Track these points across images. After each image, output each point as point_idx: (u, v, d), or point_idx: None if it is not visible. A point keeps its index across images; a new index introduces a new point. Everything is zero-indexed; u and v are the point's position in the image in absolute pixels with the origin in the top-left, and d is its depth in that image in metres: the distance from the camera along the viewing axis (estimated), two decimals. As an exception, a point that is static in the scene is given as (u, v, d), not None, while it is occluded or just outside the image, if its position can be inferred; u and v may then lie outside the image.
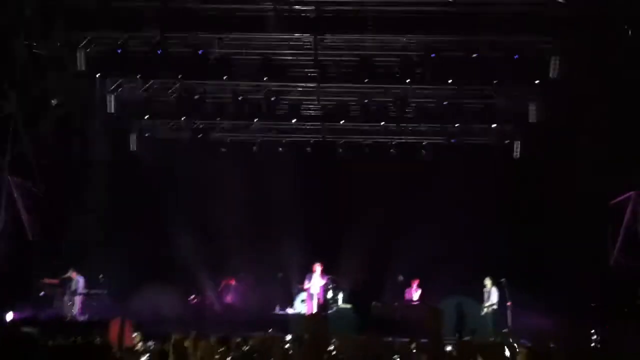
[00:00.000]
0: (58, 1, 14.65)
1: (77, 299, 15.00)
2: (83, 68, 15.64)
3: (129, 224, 17.37)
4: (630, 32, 13.53)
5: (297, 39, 15.51)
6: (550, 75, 14.91)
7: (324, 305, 15.56)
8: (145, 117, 18.21)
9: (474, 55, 15.12)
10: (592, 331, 12.03)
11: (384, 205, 17.98)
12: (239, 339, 9.09)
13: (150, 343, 9.17)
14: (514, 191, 17.73)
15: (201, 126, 18.65)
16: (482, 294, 15.70)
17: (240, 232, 17.28)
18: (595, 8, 13.60)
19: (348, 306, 16.35)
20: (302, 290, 16.14)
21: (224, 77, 16.13)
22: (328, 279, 15.88)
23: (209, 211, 17.51)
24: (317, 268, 15.68)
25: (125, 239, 16.76)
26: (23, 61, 14.82)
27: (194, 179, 18.13)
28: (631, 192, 15.17)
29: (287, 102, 17.66)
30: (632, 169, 14.70)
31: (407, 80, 15.96)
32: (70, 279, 14.96)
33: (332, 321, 15.05)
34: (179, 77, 16.39)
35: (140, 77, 16.75)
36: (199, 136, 18.71)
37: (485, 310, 15.33)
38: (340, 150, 18.95)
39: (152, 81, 17.18)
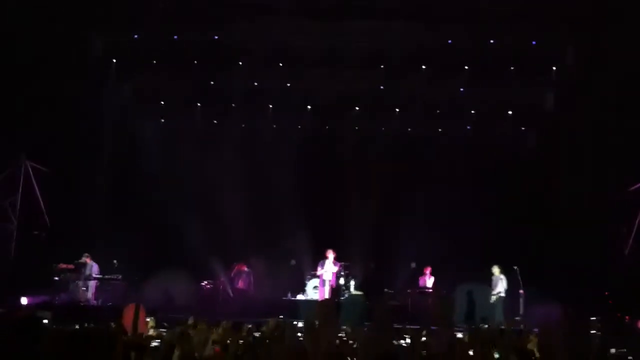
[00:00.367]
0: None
1: (92, 284, 15.13)
2: (97, 55, 15.80)
3: (142, 210, 17.46)
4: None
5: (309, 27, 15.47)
6: (567, 62, 14.81)
7: (336, 291, 15.57)
8: (157, 102, 18.29)
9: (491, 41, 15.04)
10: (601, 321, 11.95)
11: (397, 193, 17.96)
12: (250, 325, 9.15)
13: (163, 329, 9.26)
14: (528, 179, 17.61)
15: (211, 112, 18.67)
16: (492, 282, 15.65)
17: (253, 219, 17.32)
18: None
19: (360, 293, 16.35)
20: (315, 276, 16.17)
21: (235, 63, 16.16)
22: (340, 265, 15.90)
23: (223, 199, 17.52)
24: (330, 254, 15.67)
25: (139, 225, 16.85)
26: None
27: (207, 166, 18.12)
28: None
29: (297, 89, 17.61)
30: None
31: (424, 67, 15.89)
32: (84, 264, 15.08)
33: (343, 308, 15.10)
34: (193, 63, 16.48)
35: (150, 64, 16.82)
36: (214, 122, 18.78)
37: (494, 298, 15.27)
38: (351, 137, 18.87)
39: (161, 66, 17.19)
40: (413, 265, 17.24)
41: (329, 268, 15.61)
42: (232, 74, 17.16)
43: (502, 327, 12.27)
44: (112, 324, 8.56)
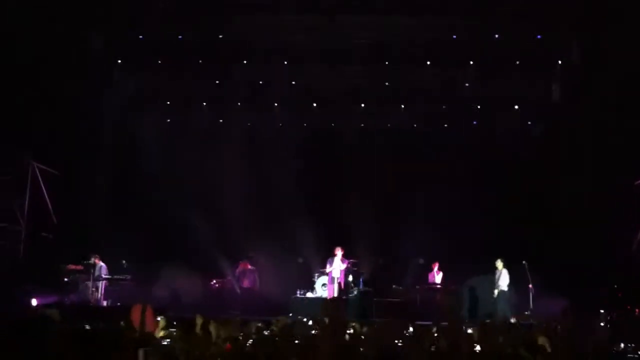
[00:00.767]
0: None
1: (101, 285, 15.19)
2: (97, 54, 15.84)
3: (146, 210, 17.45)
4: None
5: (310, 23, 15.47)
6: (573, 56, 14.75)
7: (345, 289, 15.58)
8: (158, 100, 18.31)
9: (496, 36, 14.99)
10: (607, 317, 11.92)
11: (404, 189, 17.90)
12: (259, 324, 9.14)
13: (172, 329, 9.26)
14: (534, 172, 17.54)
15: (213, 109, 18.68)
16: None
17: (259, 216, 17.32)
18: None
19: (369, 290, 16.34)
20: (324, 274, 16.16)
21: (236, 60, 16.17)
22: (349, 262, 15.88)
23: (228, 197, 17.51)
24: (338, 252, 15.66)
25: (143, 225, 16.86)
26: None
27: (211, 164, 18.08)
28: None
29: (299, 84, 17.59)
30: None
31: (428, 62, 15.85)
32: (93, 265, 15.13)
33: (352, 305, 15.11)
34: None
35: (150, 59, 16.84)
36: (216, 120, 18.79)
37: (496, 292, 15.20)
38: (356, 133, 18.84)
39: (161, 64, 17.22)
40: (421, 261, 17.21)
41: (337, 265, 15.61)
42: (233, 72, 17.16)
43: (512, 321, 12.27)
44: (122, 323, 8.57)
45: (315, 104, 18.07)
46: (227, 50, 16.69)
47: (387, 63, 16.59)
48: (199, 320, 9.12)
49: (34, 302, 13.20)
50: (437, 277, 16.44)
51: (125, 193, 17.74)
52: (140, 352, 5.34)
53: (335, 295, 15.13)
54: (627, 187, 14.98)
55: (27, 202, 15.50)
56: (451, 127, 18.43)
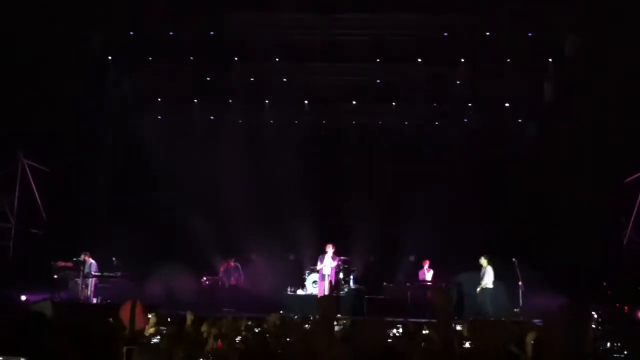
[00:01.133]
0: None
1: (91, 282, 15.14)
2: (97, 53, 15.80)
3: (140, 207, 17.42)
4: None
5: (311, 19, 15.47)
6: (566, 53, 14.78)
7: (336, 286, 15.58)
8: (157, 100, 18.28)
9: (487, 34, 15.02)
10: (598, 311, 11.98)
11: (396, 187, 17.92)
12: (249, 322, 9.14)
13: (163, 327, 9.24)
14: (526, 170, 17.59)
15: (213, 108, 18.65)
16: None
17: (251, 214, 17.28)
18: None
19: (359, 287, 16.37)
20: (314, 271, 16.17)
21: (235, 58, 16.14)
22: (340, 260, 15.89)
23: (221, 194, 17.48)
24: (329, 249, 15.65)
25: (137, 222, 16.82)
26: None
27: (207, 162, 18.07)
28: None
29: (298, 83, 17.60)
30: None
31: (419, 60, 15.87)
32: (83, 262, 15.08)
33: (343, 302, 15.12)
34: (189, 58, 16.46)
35: (149, 59, 16.80)
36: (211, 118, 18.77)
37: (479, 289, 15.22)
38: (351, 131, 18.87)
39: (160, 63, 17.18)
40: (412, 258, 17.24)
41: (328, 262, 15.59)
42: (232, 70, 17.14)
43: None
44: (111, 320, 8.54)
45: (314, 103, 18.07)
46: (226, 49, 16.67)
47: (378, 61, 16.58)
48: (189, 317, 9.14)
49: (24, 299, 13.14)
50: (428, 275, 16.48)
51: (125, 192, 17.71)
52: (124, 350, 5.33)
53: (326, 292, 15.13)
54: (620, 186, 15.09)
55: (16, 200, 15.44)
56: (452, 126, 18.46)
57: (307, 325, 8.31)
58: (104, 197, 17.57)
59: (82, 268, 15.03)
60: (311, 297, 15.45)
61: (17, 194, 15.44)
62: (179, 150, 18.12)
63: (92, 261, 15.25)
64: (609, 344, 8.67)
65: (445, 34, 15.68)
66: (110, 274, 15.32)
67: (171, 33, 16.52)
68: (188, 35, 16.69)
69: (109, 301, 14.38)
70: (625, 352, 8.03)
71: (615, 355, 8.15)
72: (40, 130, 15.29)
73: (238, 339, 7.25)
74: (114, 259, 15.89)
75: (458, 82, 17.01)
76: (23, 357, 4.26)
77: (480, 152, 17.72)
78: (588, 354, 4.47)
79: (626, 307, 13.63)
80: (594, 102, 15.47)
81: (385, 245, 17.58)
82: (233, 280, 16.95)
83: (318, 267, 15.77)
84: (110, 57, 17.06)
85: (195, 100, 18.36)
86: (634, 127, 14.13)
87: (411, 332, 8.07)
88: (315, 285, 16.20)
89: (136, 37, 16.62)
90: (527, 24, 15.20)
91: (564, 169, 16.59)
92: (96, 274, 15.21)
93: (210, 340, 6.98)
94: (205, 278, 16.82)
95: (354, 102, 18.16)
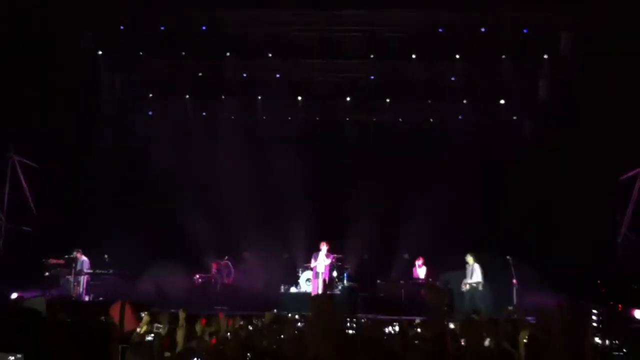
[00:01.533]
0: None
1: (83, 279, 15.03)
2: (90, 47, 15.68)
3: (133, 204, 17.34)
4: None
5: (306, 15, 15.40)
6: (561, 50, 14.74)
7: (330, 284, 15.51)
8: (150, 96, 18.18)
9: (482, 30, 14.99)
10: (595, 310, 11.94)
11: (390, 184, 17.86)
12: (242, 322, 9.06)
13: (156, 325, 9.15)
14: (521, 168, 17.56)
15: (207, 105, 18.56)
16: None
17: (245, 212, 17.20)
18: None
19: (353, 285, 16.31)
20: (308, 268, 16.11)
21: (228, 54, 16.05)
22: (333, 257, 15.83)
23: (215, 191, 17.42)
24: (323, 247, 15.58)
25: (130, 220, 16.73)
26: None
27: (199, 159, 18.00)
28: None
29: (293, 79, 17.53)
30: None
31: (414, 56, 15.82)
32: (75, 259, 14.97)
33: (338, 300, 15.03)
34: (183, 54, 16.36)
35: (145, 55, 16.70)
36: (203, 114, 18.68)
37: (467, 287, 15.05)
38: (346, 128, 18.81)
39: (157, 60, 17.08)
40: (406, 256, 17.21)
41: (322, 260, 15.53)
42: (225, 65, 17.06)
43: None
44: (103, 318, 8.46)
45: (309, 99, 18.01)
46: (225, 47, 16.62)
47: (372, 57, 16.51)
48: (182, 315, 9.04)
49: (14, 296, 13.02)
50: (421, 272, 16.44)
51: (117, 189, 17.64)
52: (120, 348, 5.25)
53: (320, 290, 15.06)
54: (616, 184, 15.09)
55: (6, 196, 15.31)
56: (447, 123, 18.41)
57: (299, 324, 8.27)
58: (96, 194, 17.45)
59: (74, 265, 14.92)
60: (305, 295, 15.38)
61: (7, 190, 15.30)
62: (171, 148, 18.03)
63: (84, 258, 15.14)
64: (602, 342, 8.63)
65: (441, 30, 15.62)
66: (103, 272, 15.22)
67: (172, 32, 16.45)
68: (187, 34, 16.61)
69: (101, 299, 14.28)
70: (624, 351, 8.00)
71: (610, 353, 8.12)
72: (31, 126, 15.18)
73: (229, 335, 7.18)
74: (106, 256, 15.78)
75: (453, 78, 16.95)
76: (18, 353, 4.19)
77: (475, 149, 17.67)
78: (588, 354, 4.40)
79: (620, 306, 13.62)
80: (589, 99, 15.45)
81: (379, 243, 17.53)
82: (226, 279, 16.88)
83: (312, 265, 15.72)
84: (100, 52, 16.93)
85: (192, 97, 18.27)
86: (629, 124, 14.13)
87: (405, 330, 8.02)
88: (308, 283, 16.14)
89: (128, 33, 16.49)
90: (523, 20, 15.15)
91: (560, 166, 16.55)
92: (88, 271, 15.10)
93: (205, 338, 6.91)
94: (198, 276, 16.73)
95: (348, 99, 18.11)
